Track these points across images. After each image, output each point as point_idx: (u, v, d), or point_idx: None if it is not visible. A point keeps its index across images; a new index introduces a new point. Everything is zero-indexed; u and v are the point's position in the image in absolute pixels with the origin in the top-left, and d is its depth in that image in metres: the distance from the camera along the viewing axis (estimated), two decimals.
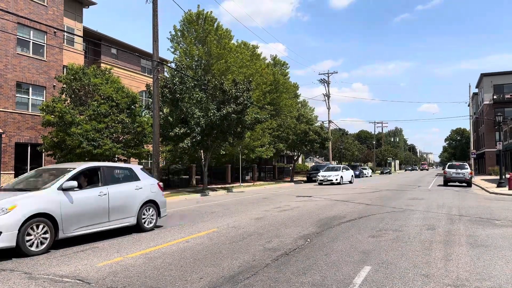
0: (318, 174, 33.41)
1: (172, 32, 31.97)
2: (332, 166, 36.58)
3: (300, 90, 68.21)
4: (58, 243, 7.76)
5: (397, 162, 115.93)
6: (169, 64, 27.90)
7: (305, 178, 42.46)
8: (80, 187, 8.14)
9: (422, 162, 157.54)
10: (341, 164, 37.92)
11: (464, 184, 28.99)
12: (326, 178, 31.78)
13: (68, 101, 20.81)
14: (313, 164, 66.91)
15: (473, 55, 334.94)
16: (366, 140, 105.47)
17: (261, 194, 21.93)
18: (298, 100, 55.08)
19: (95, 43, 32.65)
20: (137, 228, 9.33)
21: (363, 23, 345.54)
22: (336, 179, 31.56)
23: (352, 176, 35.65)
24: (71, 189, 7.81)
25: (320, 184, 32.07)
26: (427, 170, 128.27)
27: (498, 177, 30.06)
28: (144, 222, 9.43)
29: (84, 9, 29.69)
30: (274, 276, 5.60)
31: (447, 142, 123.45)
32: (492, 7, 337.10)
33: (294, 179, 41.23)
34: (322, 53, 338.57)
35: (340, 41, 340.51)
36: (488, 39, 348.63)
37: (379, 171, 79.57)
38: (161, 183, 10.80)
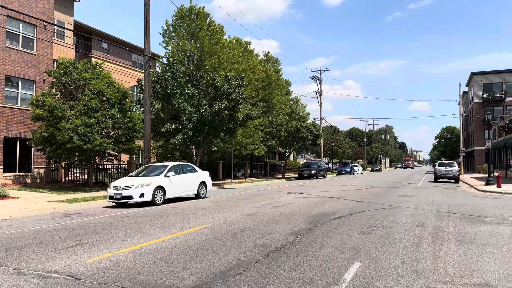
0: (111, 184, 15.42)
1: (164, 27, 31.74)
2: (153, 165, 17.31)
3: (292, 87, 68.27)
4: (48, 238, 7.63)
5: (388, 159, 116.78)
6: (161, 59, 27.73)
7: (296, 175, 42.57)
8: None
9: (406, 158, 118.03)
10: (192, 164, 18.96)
11: (452, 180, 31.11)
12: (120, 193, 14.43)
13: (58, 96, 20.61)
14: (305, 161, 67.11)
15: (464, 54, 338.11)
16: (357, 138, 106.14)
17: (253, 191, 21.94)
18: (290, 97, 55.18)
19: (86, 37, 32.30)
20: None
21: (356, 21, 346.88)
22: (142, 194, 14.46)
23: (204, 184, 17.96)
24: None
25: (119, 205, 14.80)
26: (412, 168, 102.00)
27: (487, 175, 30.49)
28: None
29: (75, 3, 29.32)
30: (265, 272, 5.61)
31: (437, 140, 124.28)
32: (483, 7, 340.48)
33: (286, 176, 41.33)
34: (315, 51, 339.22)
35: (333, 39, 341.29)
36: (479, 39, 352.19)
37: (370, 169, 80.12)
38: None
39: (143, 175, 15.89)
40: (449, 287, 5.00)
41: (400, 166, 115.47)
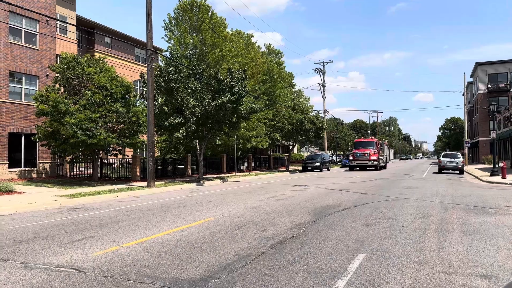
0: None
1: (166, 20, 31.67)
2: None
3: (295, 80, 68.06)
4: (54, 232, 7.69)
5: (392, 151, 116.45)
6: (163, 53, 27.68)
7: (300, 168, 42.57)
8: None
9: (358, 140, 40.91)
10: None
11: (457, 171, 31.34)
12: None
13: (62, 91, 20.67)
14: (309, 153, 67.03)
15: (468, 45, 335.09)
16: (361, 130, 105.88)
17: (257, 184, 21.98)
18: (294, 90, 54.99)
19: (89, 31, 32.25)
20: None
21: (359, 12, 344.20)
22: None
23: None
24: None
25: None
26: (377, 167, 36.57)
27: (491, 165, 30.40)
28: None
29: None
30: (270, 264, 5.64)
31: (441, 131, 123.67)
32: None
33: (290, 169, 41.35)
34: (318, 43, 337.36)
35: (336, 31, 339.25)
36: (483, 29, 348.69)
37: None
38: None
39: None
40: (453, 278, 5.01)
41: (404, 157, 71.41)
